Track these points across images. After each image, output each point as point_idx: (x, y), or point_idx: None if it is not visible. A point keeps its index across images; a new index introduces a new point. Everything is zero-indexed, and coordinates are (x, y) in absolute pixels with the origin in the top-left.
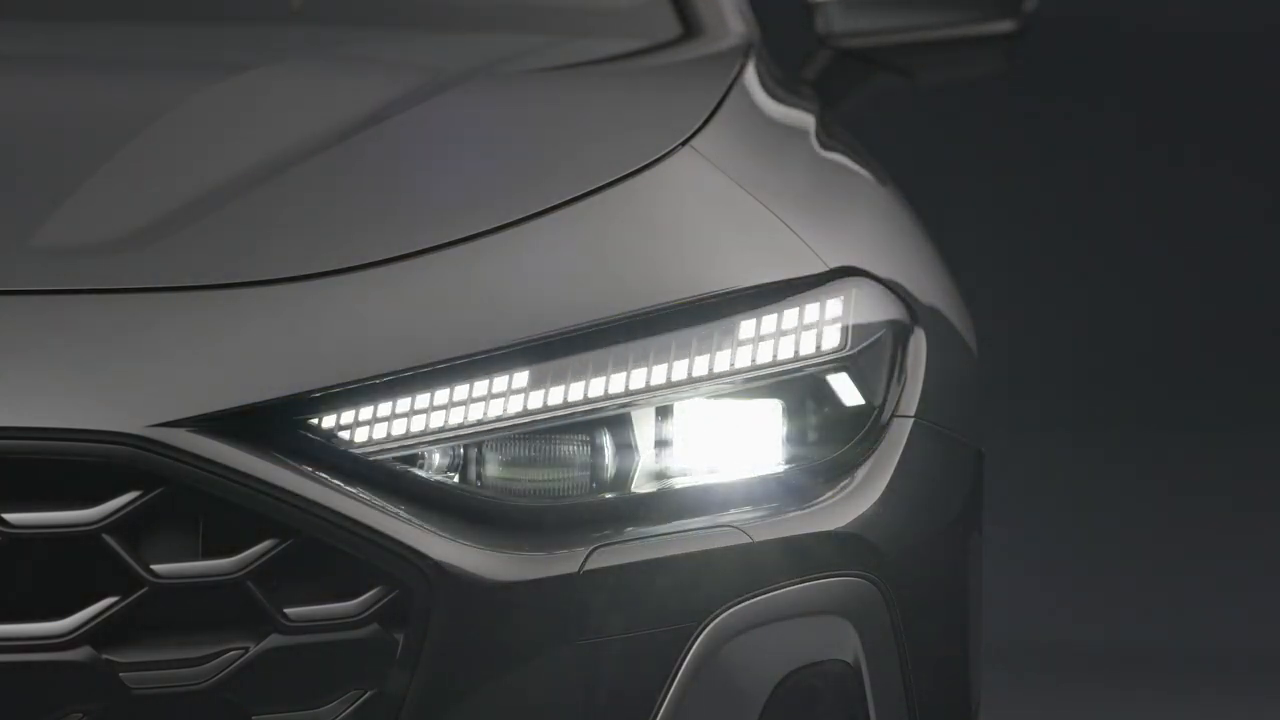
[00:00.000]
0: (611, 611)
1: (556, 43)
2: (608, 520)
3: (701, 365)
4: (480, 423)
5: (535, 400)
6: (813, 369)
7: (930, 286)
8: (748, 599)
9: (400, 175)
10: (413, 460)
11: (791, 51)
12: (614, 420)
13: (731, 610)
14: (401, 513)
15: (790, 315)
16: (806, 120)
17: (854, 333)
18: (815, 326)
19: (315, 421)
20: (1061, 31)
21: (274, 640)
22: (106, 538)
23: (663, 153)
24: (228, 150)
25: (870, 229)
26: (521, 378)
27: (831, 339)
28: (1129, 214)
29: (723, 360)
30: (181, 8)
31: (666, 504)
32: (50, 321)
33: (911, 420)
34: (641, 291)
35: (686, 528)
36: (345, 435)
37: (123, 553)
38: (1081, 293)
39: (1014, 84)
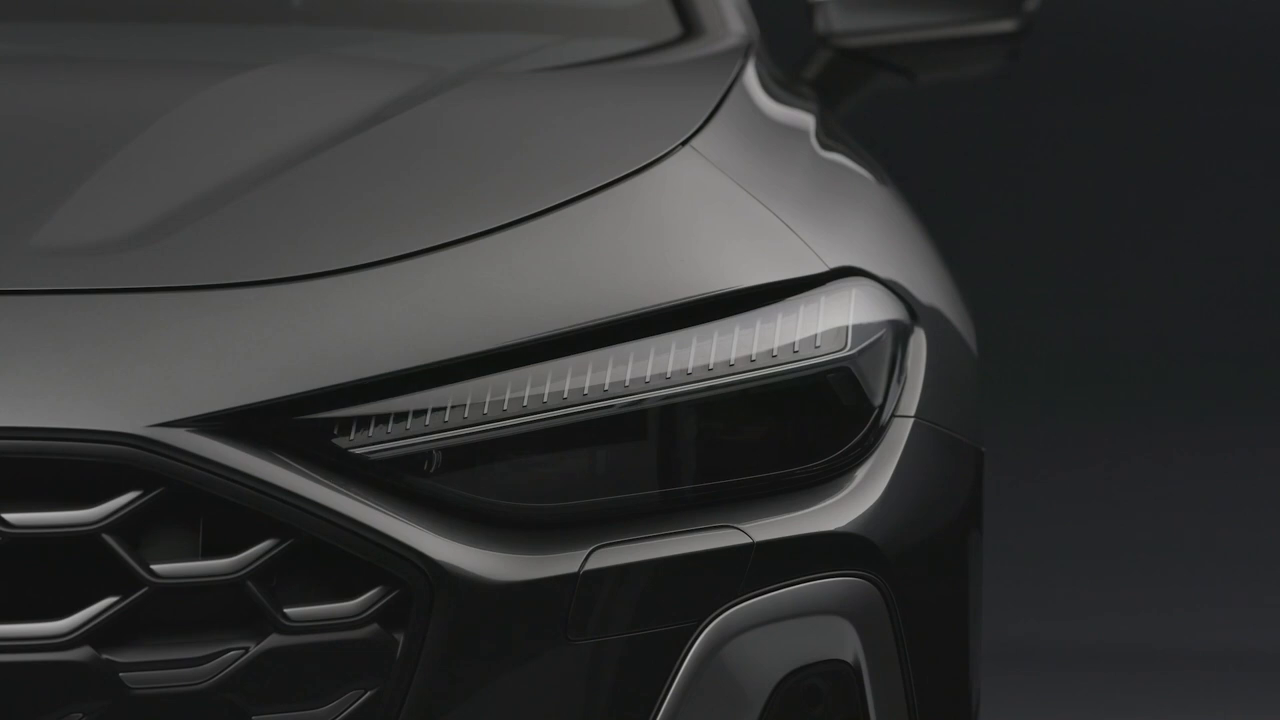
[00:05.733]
0: (611, 611)
1: (556, 43)
2: (608, 520)
3: (701, 365)
4: (480, 422)
5: (535, 400)
6: (813, 369)
7: (930, 286)
8: (748, 599)
9: (400, 175)
10: (413, 460)
11: (792, 51)
12: (614, 420)
13: (731, 610)
14: (401, 513)
15: (790, 315)
16: (806, 120)
17: (854, 333)
18: (815, 326)
19: (315, 421)
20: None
21: (274, 640)
22: (106, 538)
23: (663, 153)
24: (227, 150)
25: (870, 229)
26: (521, 378)
27: (831, 339)
28: (1128, 211)
29: (722, 360)
30: (182, 8)
31: (666, 504)
32: (50, 321)
33: (911, 420)
34: (641, 291)
35: (686, 528)
36: (345, 435)
37: (123, 553)
38: (1079, 291)
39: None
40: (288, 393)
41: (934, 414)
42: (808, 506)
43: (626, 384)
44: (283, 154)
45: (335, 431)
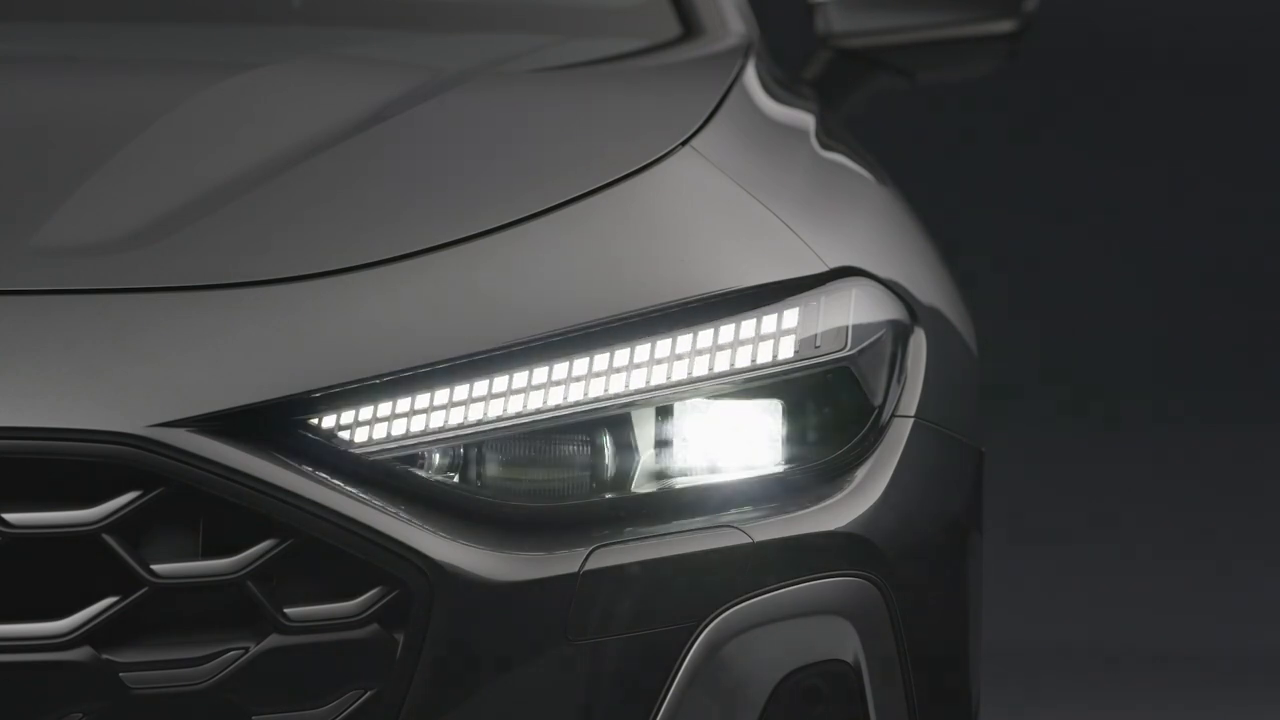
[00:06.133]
0: (611, 611)
1: (556, 43)
2: (608, 520)
3: (701, 365)
4: (480, 423)
5: (535, 400)
6: (813, 369)
7: (930, 286)
8: (748, 599)
9: (400, 175)
10: (413, 460)
11: (792, 51)
12: (614, 420)
13: (731, 610)
14: (401, 513)
15: (790, 315)
16: (806, 120)
17: (854, 333)
18: (815, 326)
19: (315, 421)
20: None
21: (274, 640)
22: (106, 538)
23: (663, 153)
24: (227, 150)
25: (870, 229)
26: (521, 378)
27: (832, 339)
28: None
29: (723, 360)
30: (182, 8)
31: (666, 504)
32: (50, 321)
33: (911, 420)
34: (641, 291)
35: (686, 528)
36: (345, 435)
37: (123, 553)
38: (1079, 292)
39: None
40: (288, 393)
41: (934, 414)
42: (808, 506)
43: (626, 384)
44: (283, 154)
45: (335, 431)
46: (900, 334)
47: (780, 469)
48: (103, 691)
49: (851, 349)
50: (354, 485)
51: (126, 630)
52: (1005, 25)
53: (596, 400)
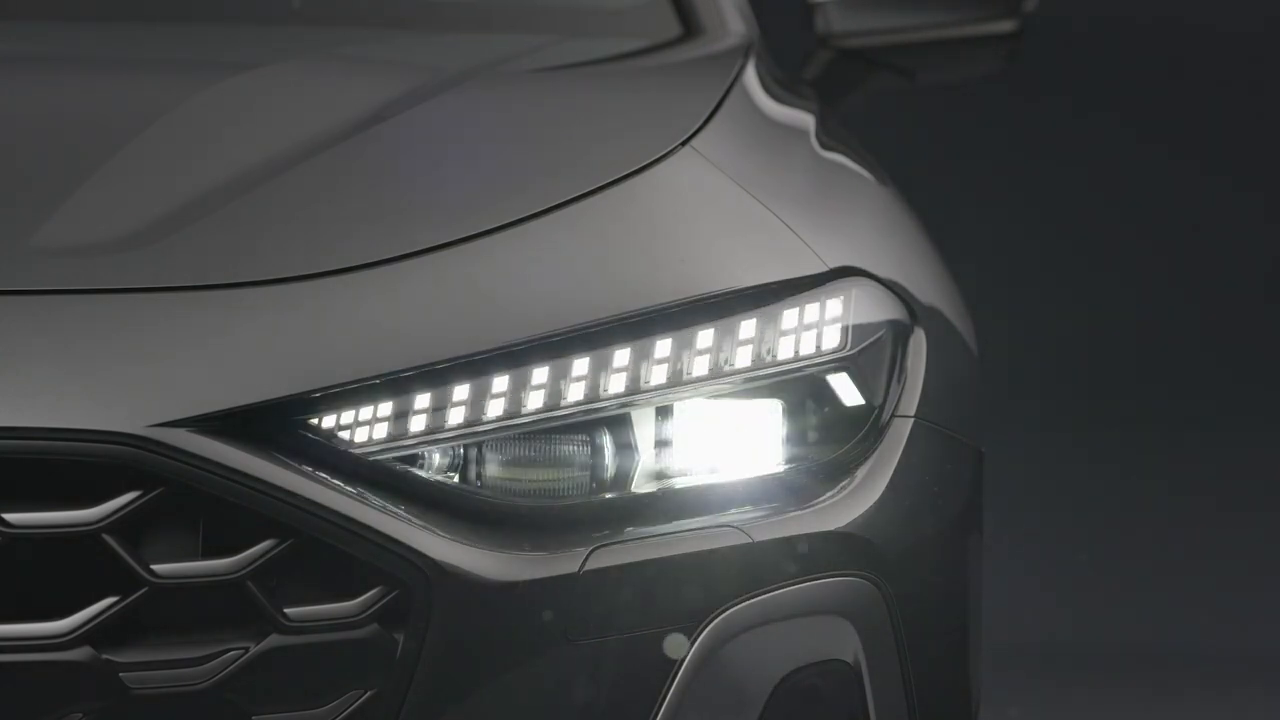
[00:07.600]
0: (611, 611)
1: (556, 43)
2: (608, 520)
3: (701, 365)
4: (480, 423)
5: (535, 400)
6: (813, 369)
7: (930, 286)
8: (748, 599)
9: (400, 175)
10: (413, 460)
11: (791, 51)
12: (614, 420)
13: (731, 610)
14: (401, 513)
15: (790, 315)
16: (806, 120)
17: (854, 333)
18: (815, 326)
19: (315, 421)
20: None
21: (274, 640)
22: (107, 538)
23: (663, 153)
24: (228, 150)
25: (870, 229)
26: (521, 378)
27: (831, 339)
28: (1127, 214)
29: (723, 360)
30: (181, 8)
31: (666, 504)
32: (50, 321)
33: (911, 420)
34: (641, 291)
35: (686, 528)
36: (345, 435)
37: (123, 553)
38: (1079, 292)
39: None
40: (288, 393)
41: (934, 414)
42: (807, 506)
43: (626, 384)
44: (283, 154)
45: (335, 431)
46: (900, 334)
47: (780, 469)
48: (103, 691)
49: (851, 349)
50: (354, 485)
51: (126, 630)
52: (1005, 25)
53: (596, 400)
